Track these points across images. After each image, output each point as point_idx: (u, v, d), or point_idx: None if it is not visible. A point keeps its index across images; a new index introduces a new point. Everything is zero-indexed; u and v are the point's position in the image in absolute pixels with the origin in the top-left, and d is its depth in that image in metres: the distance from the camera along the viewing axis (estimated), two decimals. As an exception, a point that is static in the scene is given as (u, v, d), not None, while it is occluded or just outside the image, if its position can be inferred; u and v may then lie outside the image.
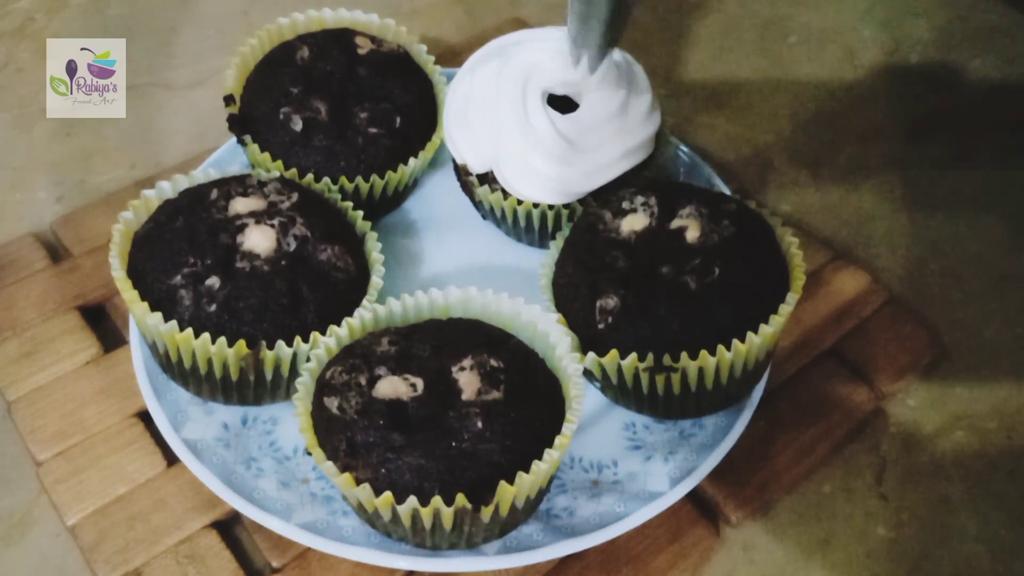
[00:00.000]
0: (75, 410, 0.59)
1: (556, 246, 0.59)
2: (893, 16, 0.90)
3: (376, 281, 0.57)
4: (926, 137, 0.79)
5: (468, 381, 0.49)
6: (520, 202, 0.62)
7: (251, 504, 0.52)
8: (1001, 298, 0.67)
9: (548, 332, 0.53)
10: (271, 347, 0.53)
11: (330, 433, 0.48)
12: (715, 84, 0.84)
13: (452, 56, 0.83)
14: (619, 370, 0.52)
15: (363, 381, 0.49)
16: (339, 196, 0.62)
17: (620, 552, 0.53)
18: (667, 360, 0.51)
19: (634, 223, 0.56)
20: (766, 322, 0.52)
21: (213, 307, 0.52)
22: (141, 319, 0.53)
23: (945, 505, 0.56)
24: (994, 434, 0.60)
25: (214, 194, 0.57)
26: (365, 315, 0.55)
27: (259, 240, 0.55)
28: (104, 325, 0.64)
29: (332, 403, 0.49)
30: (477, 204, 0.66)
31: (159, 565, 0.52)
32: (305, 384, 0.51)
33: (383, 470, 0.47)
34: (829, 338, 0.63)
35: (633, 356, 0.51)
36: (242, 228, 0.55)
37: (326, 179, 0.63)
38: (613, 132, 0.61)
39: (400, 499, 0.46)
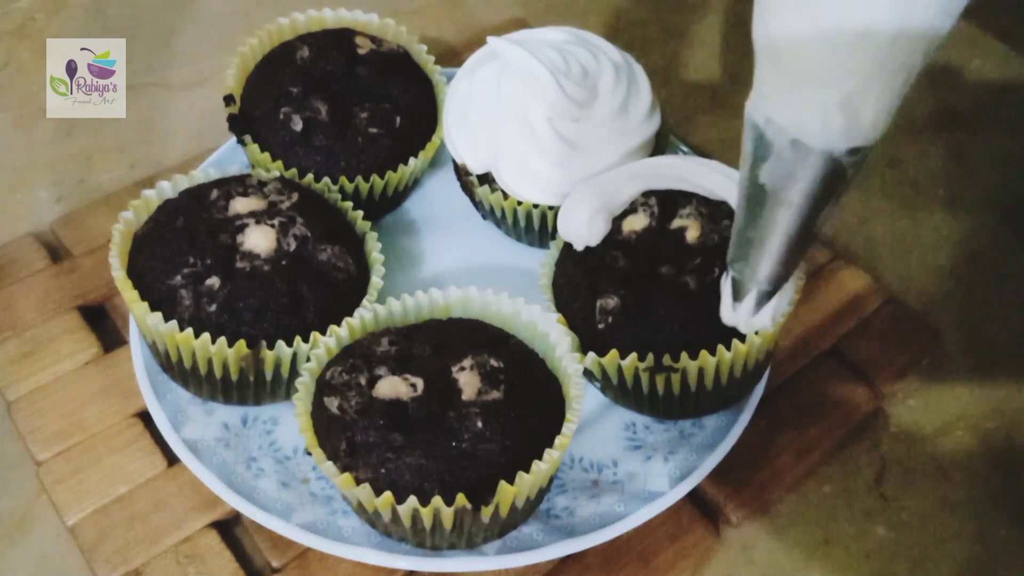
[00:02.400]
0: (75, 410, 0.59)
1: (556, 246, 0.59)
2: (893, 16, 0.90)
3: (376, 281, 0.57)
4: (926, 137, 0.79)
5: (468, 381, 0.49)
6: (520, 202, 0.62)
7: (251, 504, 0.52)
8: (1001, 298, 0.67)
9: (548, 332, 0.53)
10: (271, 347, 0.53)
11: (330, 433, 0.48)
12: (715, 84, 0.84)
13: (452, 56, 0.83)
14: (619, 370, 0.52)
15: (363, 381, 0.49)
16: (339, 196, 0.62)
17: (620, 552, 0.53)
18: (667, 360, 0.51)
19: (634, 223, 0.56)
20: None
21: (213, 307, 0.52)
22: (141, 319, 0.53)
23: (945, 505, 0.56)
24: (994, 434, 0.60)
25: (214, 194, 0.57)
26: (365, 315, 0.55)
27: (259, 240, 0.55)
28: (104, 325, 0.64)
29: (332, 403, 0.49)
30: (477, 204, 0.66)
31: (159, 565, 0.52)
32: (305, 384, 0.51)
33: (383, 470, 0.47)
34: (829, 338, 0.63)
35: (633, 356, 0.51)
36: (242, 228, 0.55)
37: (326, 179, 0.63)
38: (613, 133, 0.61)
39: (400, 499, 0.46)
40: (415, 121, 0.67)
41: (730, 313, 0.49)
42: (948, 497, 0.57)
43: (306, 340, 0.53)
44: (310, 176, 0.63)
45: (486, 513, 0.47)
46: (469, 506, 0.46)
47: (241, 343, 0.52)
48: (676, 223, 0.55)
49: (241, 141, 0.65)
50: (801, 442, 0.58)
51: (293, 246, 0.55)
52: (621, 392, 0.55)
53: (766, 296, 0.47)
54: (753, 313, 0.48)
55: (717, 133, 0.79)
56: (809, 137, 0.40)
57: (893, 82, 0.37)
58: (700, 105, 0.82)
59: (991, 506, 0.56)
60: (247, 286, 0.53)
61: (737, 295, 0.48)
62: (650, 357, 0.51)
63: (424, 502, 0.46)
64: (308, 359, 0.53)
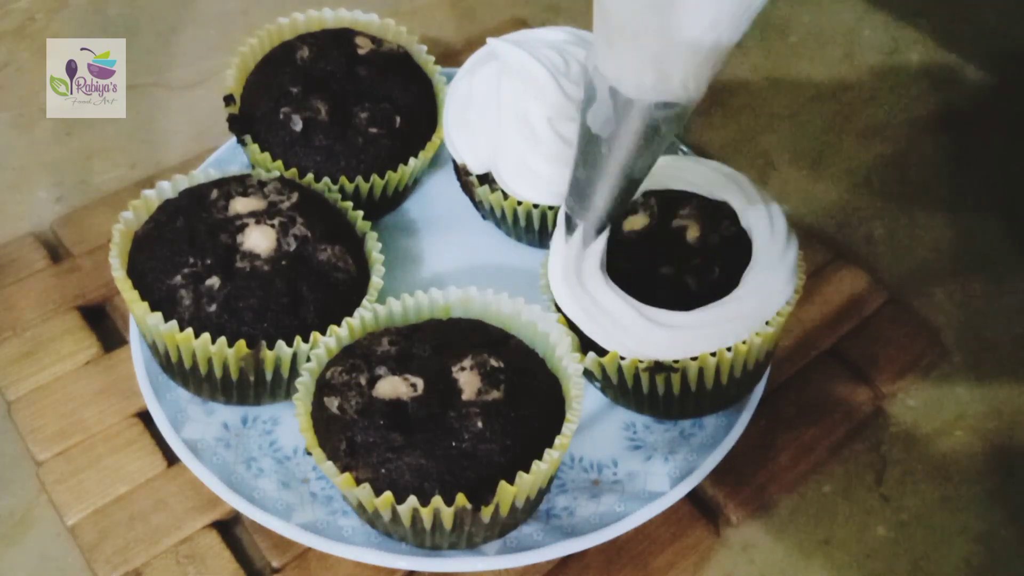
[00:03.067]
0: (75, 410, 0.59)
1: (556, 246, 0.59)
2: (893, 16, 0.90)
3: (376, 281, 0.58)
4: (926, 137, 0.79)
5: (468, 381, 0.49)
6: (520, 202, 0.62)
7: (251, 504, 0.52)
8: (1001, 298, 0.67)
9: (548, 332, 0.53)
10: (271, 347, 0.53)
11: (330, 433, 0.48)
12: (715, 84, 0.83)
13: (452, 56, 0.83)
14: (619, 370, 0.52)
15: (363, 381, 0.49)
16: (339, 196, 0.62)
17: (620, 552, 0.53)
18: (667, 360, 0.51)
19: (634, 223, 0.56)
20: (767, 322, 0.52)
21: (213, 307, 0.53)
22: (141, 319, 0.53)
23: (945, 505, 0.56)
24: (994, 434, 0.60)
25: (214, 194, 0.57)
26: (365, 315, 0.55)
27: (259, 240, 0.55)
28: (104, 325, 0.64)
29: (332, 403, 0.49)
30: (477, 204, 0.66)
31: (159, 565, 0.52)
32: (305, 384, 0.51)
33: (383, 470, 0.47)
34: (829, 338, 0.63)
35: (633, 356, 0.51)
36: (242, 228, 0.55)
37: (326, 179, 0.63)
38: (613, 132, 0.61)
39: (400, 499, 0.46)
40: (415, 121, 0.67)
41: (560, 243, 0.52)
42: (948, 497, 0.57)
43: (306, 340, 0.53)
44: (310, 176, 0.63)
45: (486, 513, 0.47)
46: (469, 506, 0.46)
47: (241, 343, 0.52)
48: (676, 223, 0.55)
49: (241, 141, 0.65)
50: (801, 442, 0.58)
51: (293, 246, 0.55)
52: (621, 392, 0.55)
53: (592, 234, 0.51)
54: (582, 247, 0.51)
55: (717, 133, 0.79)
56: (624, 87, 0.44)
57: (696, 49, 0.41)
58: (700, 105, 0.81)
59: (991, 506, 0.56)
60: (247, 286, 0.53)
61: (568, 228, 0.52)
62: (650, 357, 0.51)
63: (424, 502, 0.46)
64: (308, 359, 0.53)
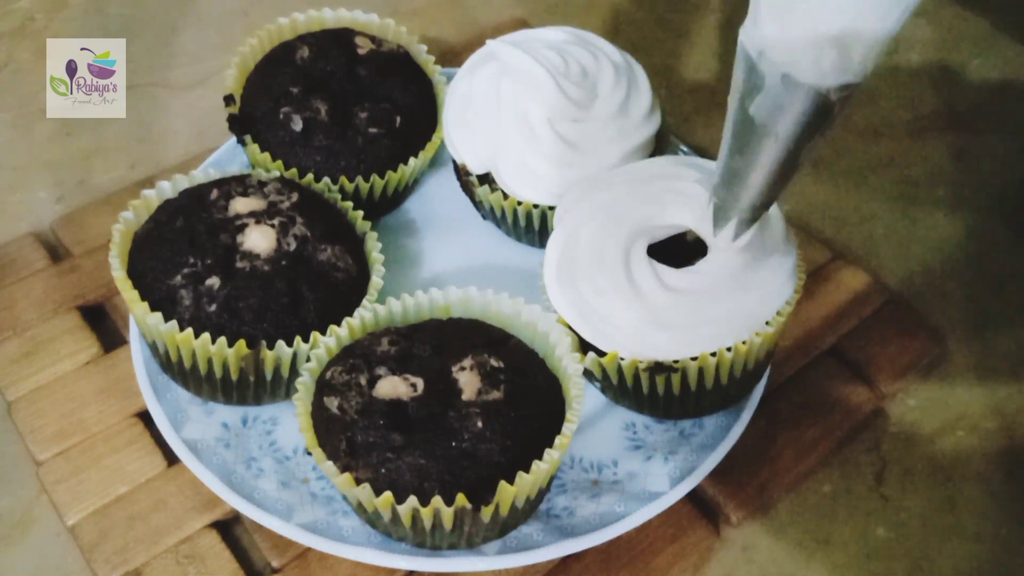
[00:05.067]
0: (75, 410, 0.59)
1: (556, 246, 0.59)
2: (893, 16, 0.90)
3: (376, 281, 0.58)
4: (926, 137, 0.79)
5: (468, 381, 0.49)
6: (520, 202, 0.62)
7: (251, 504, 0.52)
8: (1001, 298, 0.67)
9: (548, 332, 0.53)
10: (271, 347, 0.53)
11: (330, 433, 0.48)
12: (715, 84, 0.84)
13: (452, 56, 0.83)
14: (619, 370, 0.52)
15: (363, 381, 0.49)
16: (339, 196, 0.62)
17: (620, 552, 0.53)
18: (667, 360, 0.51)
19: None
20: (767, 322, 0.52)
21: (213, 307, 0.53)
22: (141, 319, 0.53)
23: (945, 505, 0.56)
24: (994, 434, 0.60)
25: (214, 194, 0.57)
26: (365, 315, 0.55)
27: (259, 240, 0.55)
28: (104, 325, 0.64)
29: (332, 403, 0.49)
30: (477, 204, 0.66)
31: (159, 565, 0.52)
32: (305, 384, 0.51)
33: (383, 470, 0.47)
34: (829, 338, 0.63)
35: (633, 356, 0.51)
36: (242, 228, 0.55)
37: (326, 179, 0.63)
38: (613, 133, 0.61)
39: (400, 499, 0.46)
40: (415, 121, 0.67)
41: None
42: (948, 497, 0.57)
43: (306, 340, 0.53)
44: (310, 176, 0.63)
45: (486, 513, 0.47)
46: (469, 506, 0.46)
47: (241, 343, 0.52)
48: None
49: (241, 141, 0.65)
50: (801, 442, 0.58)
51: (293, 246, 0.55)
52: (621, 392, 0.55)
53: (746, 223, 0.48)
54: (733, 239, 0.49)
55: (717, 133, 0.78)
56: (800, 72, 0.40)
57: (887, 17, 0.37)
58: (700, 105, 0.82)
59: (991, 506, 0.56)
60: (247, 286, 0.53)
61: (718, 222, 0.49)
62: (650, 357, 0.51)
63: (424, 502, 0.46)
64: (308, 359, 0.53)
